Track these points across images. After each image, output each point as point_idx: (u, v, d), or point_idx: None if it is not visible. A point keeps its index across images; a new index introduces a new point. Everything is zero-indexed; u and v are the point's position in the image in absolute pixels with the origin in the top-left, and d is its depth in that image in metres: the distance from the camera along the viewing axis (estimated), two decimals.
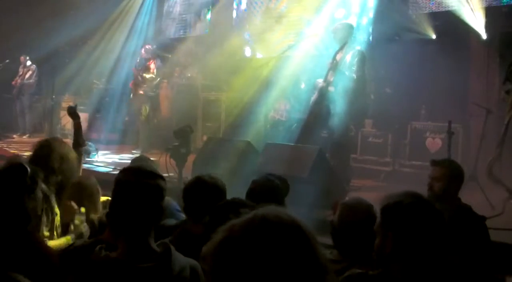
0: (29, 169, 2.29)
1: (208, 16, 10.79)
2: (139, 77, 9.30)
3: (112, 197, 2.00)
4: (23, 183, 2.24)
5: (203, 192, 2.83)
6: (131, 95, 9.58)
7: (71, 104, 4.65)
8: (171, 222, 3.14)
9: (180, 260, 1.96)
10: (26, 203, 2.22)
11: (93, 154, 8.12)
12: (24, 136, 11.19)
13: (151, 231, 1.96)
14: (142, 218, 1.92)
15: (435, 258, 1.83)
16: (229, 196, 3.00)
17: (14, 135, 11.23)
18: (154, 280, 1.85)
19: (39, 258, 2.12)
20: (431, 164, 3.61)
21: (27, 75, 11.43)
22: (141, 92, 9.31)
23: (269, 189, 3.17)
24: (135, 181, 1.94)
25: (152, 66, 9.32)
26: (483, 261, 3.23)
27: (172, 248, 1.96)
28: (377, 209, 2.62)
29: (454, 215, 3.19)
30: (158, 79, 9.43)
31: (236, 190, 3.52)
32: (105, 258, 1.88)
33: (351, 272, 1.94)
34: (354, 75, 6.15)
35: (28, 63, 11.44)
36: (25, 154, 7.94)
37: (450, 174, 3.48)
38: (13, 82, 11.55)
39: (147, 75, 9.28)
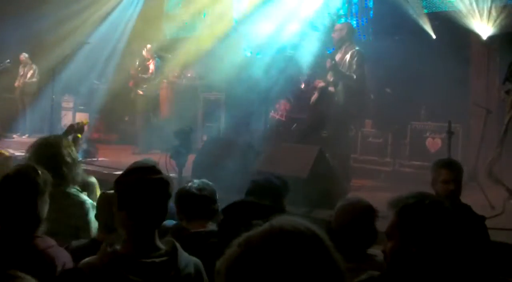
0: (40, 172, 2.31)
1: (208, 16, 10.79)
2: (139, 78, 9.31)
3: (119, 197, 2.01)
4: (36, 186, 2.25)
5: (191, 203, 2.90)
6: (131, 96, 9.58)
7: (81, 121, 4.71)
8: (170, 223, 3.15)
9: (185, 256, 2.00)
10: (38, 206, 2.24)
11: (93, 158, 8.11)
12: (24, 137, 11.17)
13: (157, 229, 2.00)
14: (153, 213, 1.97)
15: (452, 258, 1.80)
16: (228, 196, 3.01)
17: (14, 136, 11.21)
18: (162, 276, 1.90)
19: (41, 264, 2.12)
20: (440, 166, 3.55)
21: (28, 75, 11.40)
22: (140, 92, 9.32)
23: (268, 189, 3.17)
24: (143, 178, 1.97)
25: (151, 66, 9.33)
26: (484, 261, 3.23)
27: (178, 244, 2.00)
28: (379, 208, 2.63)
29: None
30: (158, 79, 9.43)
31: (236, 190, 3.53)
32: (113, 254, 1.91)
33: (370, 275, 1.90)
34: (354, 75, 6.15)
35: (28, 62, 11.41)
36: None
37: (459, 176, 3.49)
38: (16, 84, 11.52)
39: (146, 76, 9.29)
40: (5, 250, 2.11)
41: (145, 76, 9.29)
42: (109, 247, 1.93)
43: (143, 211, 1.95)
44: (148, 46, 9.46)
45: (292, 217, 1.17)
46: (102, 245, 1.96)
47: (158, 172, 2.01)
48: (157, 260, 1.91)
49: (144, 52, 9.42)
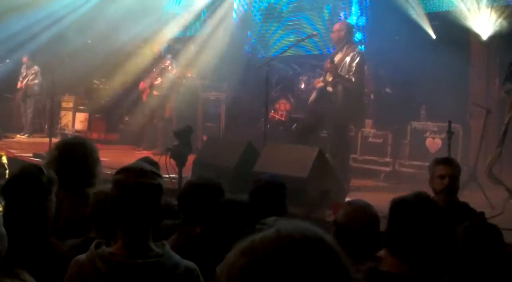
0: (45, 171, 2.34)
1: (208, 16, 10.80)
2: (156, 80, 9.28)
3: (111, 197, 2.02)
4: (42, 185, 2.28)
5: (198, 197, 2.83)
6: (145, 98, 9.50)
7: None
8: (170, 222, 3.15)
9: (174, 258, 2.00)
10: (46, 204, 2.28)
11: None
12: (24, 136, 11.17)
13: (150, 230, 1.99)
14: (140, 217, 1.96)
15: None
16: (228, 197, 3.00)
17: (18, 135, 11.21)
18: (145, 275, 1.91)
19: (54, 259, 2.16)
20: (436, 163, 3.61)
21: (30, 77, 11.39)
22: (156, 93, 9.30)
23: (271, 190, 3.17)
24: (131, 181, 1.97)
25: (171, 67, 9.32)
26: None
27: (167, 246, 2.01)
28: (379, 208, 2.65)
29: (452, 211, 3.26)
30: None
31: (236, 190, 3.53)
32: (100, 252, 1.93)
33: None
34: (352, 78, 6.15)
35: (30, 64, 11.39)
36: (25, 154, 7.96)
37: (455, 172, 3.53)
38: (18, 86, 11.49)
39: (172, 75, 9.23)
40: (17, 249, 2.13)
41: (170, 75, 9.25)
42: (97, 246, 1.96)
43: (122, 213, 1.96)
44: (158, 47, 9.47)
45: (298, 222, 1.09)
46: (91, 244, 1.98)
47: (142, 175, 1.97)
48: (142, 260, 1.92)
49: (155, 54, 9.42)
